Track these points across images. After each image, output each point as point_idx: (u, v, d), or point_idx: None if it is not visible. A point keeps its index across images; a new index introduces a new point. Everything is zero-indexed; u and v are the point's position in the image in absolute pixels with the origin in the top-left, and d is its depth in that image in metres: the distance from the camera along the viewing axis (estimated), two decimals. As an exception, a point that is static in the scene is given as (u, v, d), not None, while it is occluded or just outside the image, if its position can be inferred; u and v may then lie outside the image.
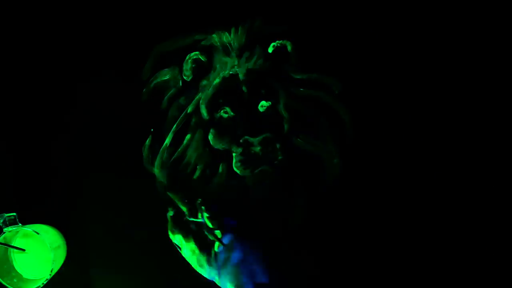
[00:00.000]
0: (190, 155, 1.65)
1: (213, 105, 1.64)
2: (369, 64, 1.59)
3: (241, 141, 1.60)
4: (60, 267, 1.48)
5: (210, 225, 1.43)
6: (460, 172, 1.55)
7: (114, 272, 1.65)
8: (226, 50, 1.65)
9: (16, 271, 1.48)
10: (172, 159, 1.64)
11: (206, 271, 1.46)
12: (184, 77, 1.65)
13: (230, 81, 1.63)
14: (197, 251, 1.45)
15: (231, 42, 1.64)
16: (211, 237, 1.45)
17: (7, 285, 1.43)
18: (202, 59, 1.64)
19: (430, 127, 1.57)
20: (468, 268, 1.49)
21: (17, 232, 1.46)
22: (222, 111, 1.62)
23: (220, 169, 1.64)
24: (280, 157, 1.59)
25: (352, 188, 1.55)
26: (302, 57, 1.61)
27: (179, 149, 1.65)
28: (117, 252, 1.64)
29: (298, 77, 1.62)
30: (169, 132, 1.65)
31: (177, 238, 1.51)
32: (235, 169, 1.62)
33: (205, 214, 1.43)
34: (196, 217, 1.46)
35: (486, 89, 1.57)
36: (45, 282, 1.44)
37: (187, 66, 1.64)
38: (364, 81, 1.58)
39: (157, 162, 1.64)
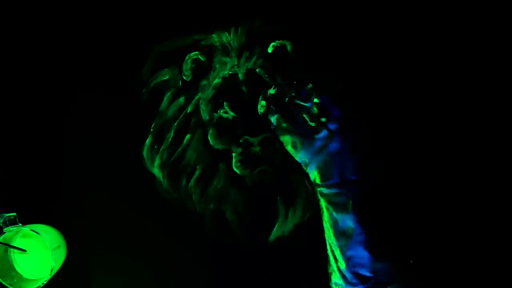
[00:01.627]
0: (190, 155, 1.65)
1: (213, 105, 1.64)
2: (369, 64, 1.59)
3: (241, 141, 1.60)
4: (60, 267, 1.48)
5: (316, 111, 1.35)
6: (460, 172, 1.55)
7: (114, 272, 1.65)
8: (225, 50, 1.65)
9: (16, 271, 1.48)
10: (172, 159, 1.64)
11: (299, 154, 1.39)
12: (184, 77, 1.65)
13: (230, 81, 1.63)
14: (295, 131, 1.37)
15: (231, 42, 1.64)
16: (313, 124, 1.36)
17: (7, 285, 1.43)
18: (202, 59, 1.65)
19: (430, 126, 1.58)
20: (468, 268, 1.50)
21: (17, 232, 1.46)
22: (221, 111, 1.62)
23: (220, 169, 1.64)
24: (280, 157, 1.59)
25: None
26: (302, 57, 1.61)
27: (179, 149, 1.65)
28: (117, 252, 1.65)
29: (297, 76, 1.62)
30: (169, 132, 1.65)
31: (274, 117, 1.42)
32: (234, 169, 1.62)
33: (315, 100, 1.35)
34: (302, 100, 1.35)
35: (486, 89, 1.57)
36: (45, 282, 1.44)
37: (187, 66, 1.64)
38: (364, 81, 1.58)
39: (157, 162, 1.64)
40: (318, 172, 1.35)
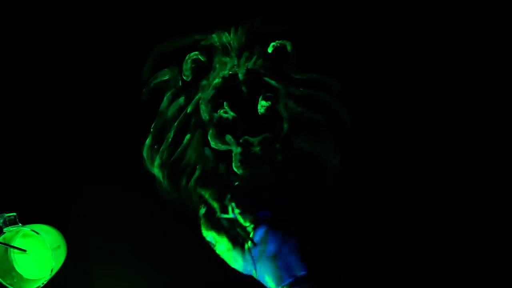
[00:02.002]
0: (190, 155, 1.65)
1: (213, 105, 1.64)
2: (369, 64, 1.59)
3: (240, 141, 1.60)
4: (60, 267, 1.48)
5: (241, 221, 1.39)
6: (460, 172, 1.55)
7: (114, 272, 1.65)
8: (225, 50, 1.65)
9: (16, 271, 1.48)
10: (172, 159, 1.64)
11: (241, 266, 1.41)
12: (184, 77, 1.65)
13: (230, 81, 1.63)
14: (231, 247, 1.40)
15: (231, 42, 1.64)
16: (243, 234, 1.40)
17: (7, 285, 1.43)
18: (202, 59, 1.65)
19: (430, 126, 1.58)
20: (467, 268, 1.50)
21: (17, 232, 1.46)
22: (221, 111, 1.62)
23: (220, 169, 1.64)
24: (279, 157, 1.59)
25: (352, 188, 1.55)
26: (302, 57, 1.61)
27: (179, 149, 1.65)
28: (117, 252, 1.64)
29: (298, 77, 1.62)
30: (169, 132, 1.65)
31: (210, 235, 1.46)
32: (234, 169, 1.62)
33: (236, 210, 1.39)
34: (227, 213, 1.42)
35: (485, 89, 1.57)
36: (45, 282, 1.44)
37: (187, 66, 1.64)
38: (364, 81, 1.59)
39: (156, 162, 1.64)
40: (269, 276, 1.36)
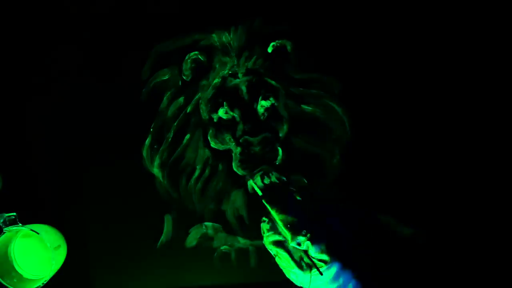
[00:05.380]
0: (190, 155, 1.65)
1: (213, 105, 1.64)
2: (368, 64, 1.59)
3: (240, 141, 1.60)
4: (60, 267, 1.48)
5: (312, 251, 1.28)
6: (458, 170, 1.56)
7: (114, 272, 1.65)
8: (225, 50, 1.65)
9: (16, 271, 1.48)
10: (172, 159, 1.64)
11: (298, 281, 1.35)
12: (184, 77, 1.65)
13: (230, 81, 1.63)
14: (295, 267, 1.32)
15: (231, 42, 1.64)
16: (309, 262, 1.31)
17: (7, 285, 1.43)
18: (202, 59, 1.64)
19: (429, 126, 1.58)
20: (465, 265, 1.51)
21: (17, 232, 1.46)
22: (221, 111, 1.62)
23: (220, 169, 1.64)
24: (280, 156, 1.59)
25: (352, 187, 1.56)
26: (301, 57, 1.61)
27: (179, 149, 1.65)
28: (117, 252, 1.65)
29: (297, 76, 1.63)
30: (168, 132, 1.65)
31: (274, 250, 1.38)
32: (234, 169, 1.62)
33: (312, 251, 1.28)
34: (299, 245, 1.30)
35: (485, 89, 1.58)
36: (45, 282, 1.44)
37: (187, 66, 1.64)
38: (363, 81, 1.59)
39: (156, 162, 1.64)
40: None
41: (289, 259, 1.33)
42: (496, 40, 1.58)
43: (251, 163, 1.60)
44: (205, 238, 1.63)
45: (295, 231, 1.30)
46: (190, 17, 1.62)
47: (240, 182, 1.63)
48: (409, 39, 1.59)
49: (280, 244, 1.36)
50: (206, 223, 1.63)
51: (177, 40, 1.63)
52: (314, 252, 1.28)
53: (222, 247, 1.63)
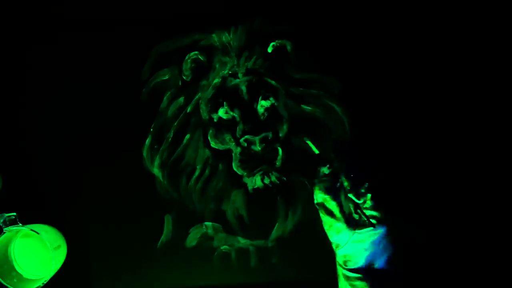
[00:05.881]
0: (190, 155, 1.65)
1: (213, 105, 1.64)
2: (368, 64, 1.59)
3: (241, 140, 1.60)
4: (60, 267, 1.48)
5: (368, 209, 1.30)
6: (458, 170, 1.56)
7: (114, 272, 1.65)
8: (225, 50, 1.65)
9: (16, 271, 1.48)
10: (172, 159, 1.64)
11: (334, 237, 1.36)
12: (184, 77, 1.65)
13: (230, 80, 1.63)
14: (340, 216, 1.33)
15: (231, 42, 1.64)
16: (358, 219, 1.32)
17: (7, 285, 1.43)
18: (202, 59, 1.64)
19: (429, 126, 1.58)
20: (465, 265, 1.51)
21: (17, 232, 1.46)
22: (221, 111, 1.62)
23: (220, 169, 1.64)
24: (280, 156, 1.59)
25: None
26: (301, 57, 1.61)
27: (179, 149, 1.65)
28: (117, 252, 1.65)
29: (297, 76, 1.63)
30: (168, 132, 1.65)
31: (320, 197, 1.38)
32: (234, 168, 1.62)
33: (369, 203, 1.30)
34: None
35: (485, 89, 1.58)
36: (45, 282, 1.43)
37: (187, 66, 1.64)
38: (363, 81, 1.59)
39: (156, 162, 1.64)
40: (346, 258, 1.34)
41: (338, 210, 1.32)
42: (496, 40, 1.58)
43: (251, 163, 1.60)
44: (205, 238, 1.63)
45: (358, 181, 1.31)
46: (190, 17, 1.62)
47: (240, 182, 1.63)
48: (409, 39, 1.60)
49: (332, 191, 1.35)
50: (206, 223, 1.63)
51: (177, 40, 1.64)
52: (369, 206, 1.27)
53: (222, 247, 1.63)
